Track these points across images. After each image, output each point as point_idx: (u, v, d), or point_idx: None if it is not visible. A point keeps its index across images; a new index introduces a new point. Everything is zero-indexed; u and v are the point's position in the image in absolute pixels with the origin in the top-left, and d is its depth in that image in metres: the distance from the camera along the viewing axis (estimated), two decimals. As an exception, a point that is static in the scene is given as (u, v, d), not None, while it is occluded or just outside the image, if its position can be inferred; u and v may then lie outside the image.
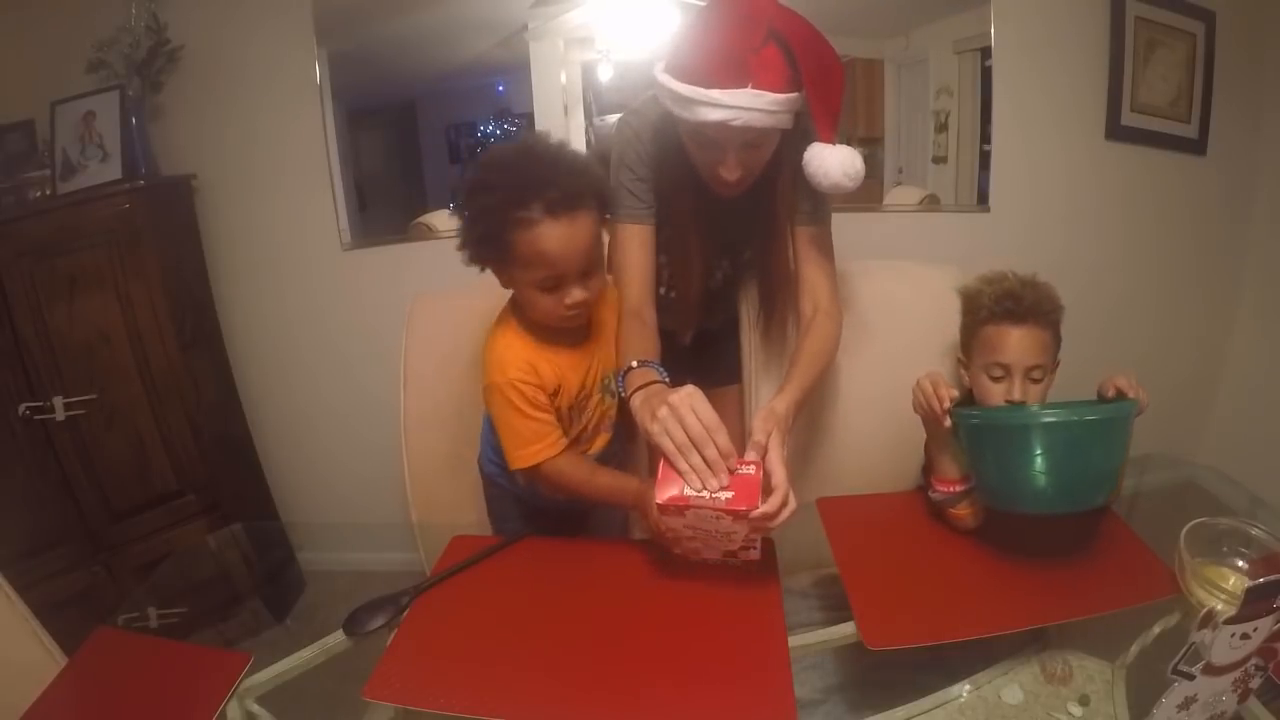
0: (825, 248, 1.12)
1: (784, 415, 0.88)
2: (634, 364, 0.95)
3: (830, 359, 1.06)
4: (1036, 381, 1.00)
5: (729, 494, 0.80)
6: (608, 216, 0.99)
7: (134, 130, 1.72)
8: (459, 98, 1.87)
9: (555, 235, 0.87)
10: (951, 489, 0.96)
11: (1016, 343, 0.98)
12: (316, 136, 1.84)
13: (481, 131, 1.87)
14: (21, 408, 1.60)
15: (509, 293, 1.01)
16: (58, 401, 1.62)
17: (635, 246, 1.08)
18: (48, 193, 1.72)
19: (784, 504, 0.80)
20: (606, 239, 1.06)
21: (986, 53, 1.77)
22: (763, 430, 0.84)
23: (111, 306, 1.66)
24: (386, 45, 1.80)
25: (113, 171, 1.70)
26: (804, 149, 0.97)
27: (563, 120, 1.82)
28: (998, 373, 1.00)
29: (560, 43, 1.78)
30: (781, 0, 0.92)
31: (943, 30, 1.78)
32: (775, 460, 0.82)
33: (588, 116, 1.84)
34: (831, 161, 0.94)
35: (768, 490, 0.82)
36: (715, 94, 0.88)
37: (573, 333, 1.01)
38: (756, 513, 0.78)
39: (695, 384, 0.88)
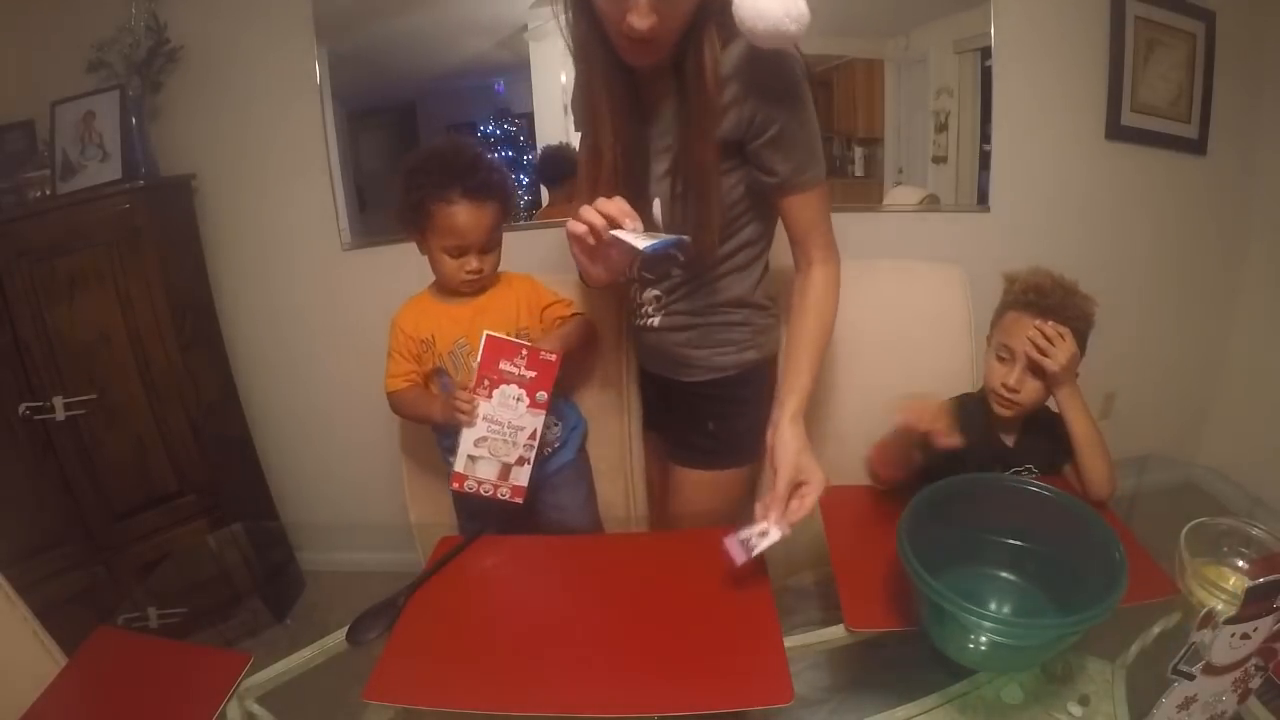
0: (818, 208, 1.03)
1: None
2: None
3: (831, 319, 1.03)
4: (1036, 377, 1.04)
5: (532, 373, 1.07)
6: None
7: (134, 130, 1.72)
8: (459, 98, 1.86)
9: (466, 213, 1.12)
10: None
11: (1025, 332, 1.04)
12: (317, 137, 1.84)
13: (481, 131, 1.86)
14: (21, 408, 1.59)
15: None
16: (58, 401, 1.61)
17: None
18: (48, 193, 1.71)
19: None
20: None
21: (986, 53, 1.77)
22: None
23: (111, 306, 1.66)
24: (386, 45, 1.80)
25: (113, 171, 1.70)
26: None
27: (563, 120, 1.82)
28: (1004, 354, 1.07)
29: (560, 43, 1.78)
30: None
31: (943, 30, 1.78)
32: None
33: (588, 116, 1.84)
34: None
35: None
36: None
37: (467, 295, 1.23)
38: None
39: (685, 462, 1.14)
